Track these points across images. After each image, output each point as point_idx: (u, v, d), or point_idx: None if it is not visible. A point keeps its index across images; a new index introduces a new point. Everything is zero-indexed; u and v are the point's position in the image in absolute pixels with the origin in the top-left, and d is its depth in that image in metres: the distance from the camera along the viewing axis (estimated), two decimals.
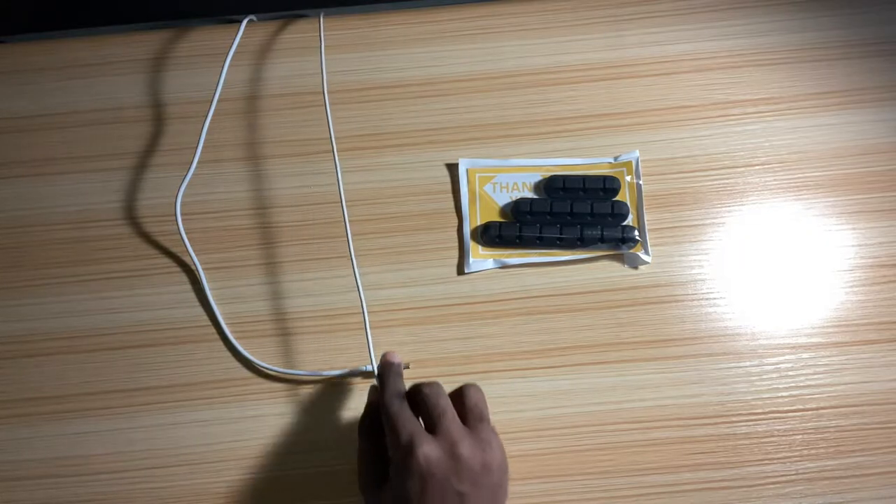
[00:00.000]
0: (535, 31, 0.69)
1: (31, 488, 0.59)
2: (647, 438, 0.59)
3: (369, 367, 0.60)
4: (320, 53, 0.64)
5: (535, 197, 0.65)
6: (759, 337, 0.61)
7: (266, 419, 0.60)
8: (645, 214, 0.64)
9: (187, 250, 0.62)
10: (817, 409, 0.60)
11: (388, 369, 0.52)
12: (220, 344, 0.62)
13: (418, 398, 0.48)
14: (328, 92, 0.66)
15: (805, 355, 0.61)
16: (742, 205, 0.65)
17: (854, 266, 0.63)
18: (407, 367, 0.61)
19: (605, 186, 0.64)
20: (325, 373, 0.61)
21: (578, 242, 0.63)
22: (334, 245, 0.64)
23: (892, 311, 0.62)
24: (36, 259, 0.64)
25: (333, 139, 0.63)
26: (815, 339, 0.61)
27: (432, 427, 0.47)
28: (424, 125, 0.67)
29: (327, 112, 0.64)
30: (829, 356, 0.61)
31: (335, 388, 0.61)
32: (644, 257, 0.63)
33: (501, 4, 0.70)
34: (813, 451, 0.59)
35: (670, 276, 0.63)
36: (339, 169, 0.61)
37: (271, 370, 0.61)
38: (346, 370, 0.60)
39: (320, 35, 0.64)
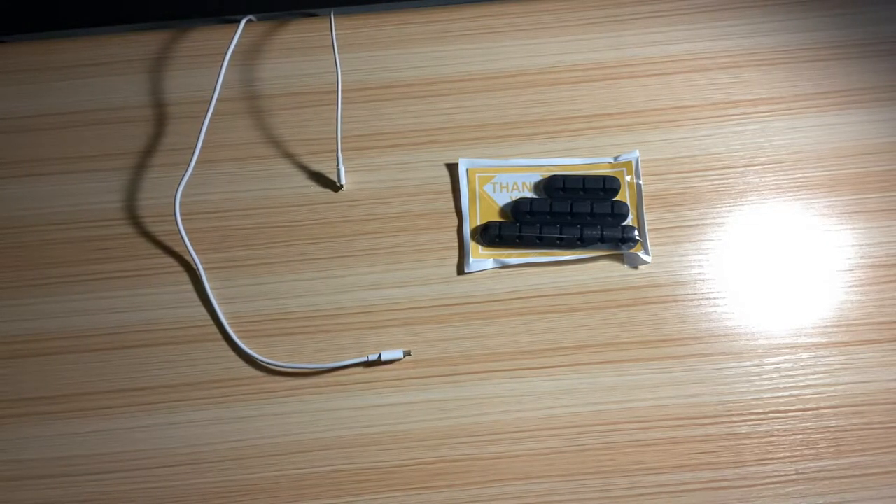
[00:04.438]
0: (535, 31, 0.69)
1: (31, 488, 0.59)
2: (647, 438, 0.59)
3: (372, 357, 0.60)
4: (333, 51, 0.64)
5: (535, 197, 0.65)
6: (759, 337, 0.61)
7: (266, 419, 0.60)
8: (645, 214, 0.64)
9: (188, 250, 0.62)
10: (817, 409, 0.60)
11: None
12: (222, 343, 0.62)
13: None
14: (328, 92, 0.66)
15: (805, 355, 0.61)
16: (742, 205, 0.65)
17: (854, 266, 0.63)
18: (408, 353, 0.61)
19: (605, 186, 0.64)
20: (328, 364, 0.61)
21: (578, 242, 0.63)
22: (334, 245, 0.64)
23: (892, 311, 0.62)
24: (36, 259, 0.64)
25: (339, 127, 0.63)
26: (815, 339, 0.61)
27: None
28: (424, 125, 0.67)
29: (338, 105, 0.64)
30: (829, 356, 0.61)
31: (335, 388, 0.61)
32: (644, 257, 0.63)
33: (502, 4, 0.70)
34: (813, 451, 0.59)
35: (670, 276, 0.63)
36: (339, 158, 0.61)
37: (274, 365, 0.61)
38: (348, 361, 0.60)
39: (332, 33, 0.64)
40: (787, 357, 0.61)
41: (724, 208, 0.65)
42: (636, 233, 0.63)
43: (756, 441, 0.59)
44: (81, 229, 0.65)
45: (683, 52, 0.68)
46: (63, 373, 0.61)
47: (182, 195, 0.62)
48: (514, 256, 0.63)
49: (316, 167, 0.66)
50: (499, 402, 0.60)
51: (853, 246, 0.64)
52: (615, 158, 0.66)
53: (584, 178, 0.64)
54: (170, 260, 0.64)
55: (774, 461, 0.59)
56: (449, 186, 0.65)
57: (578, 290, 0.63)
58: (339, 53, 0.64)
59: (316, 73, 0.68)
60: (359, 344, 0.62)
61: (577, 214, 0.63)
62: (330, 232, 0.64)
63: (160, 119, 0.67)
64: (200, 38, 0.69)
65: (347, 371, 0.61)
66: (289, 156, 0.66)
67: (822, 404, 0.60)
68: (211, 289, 0.63)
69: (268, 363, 0.61)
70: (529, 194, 0.65)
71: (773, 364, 0.61)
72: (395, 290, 0.63)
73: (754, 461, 0.59)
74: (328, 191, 0.65)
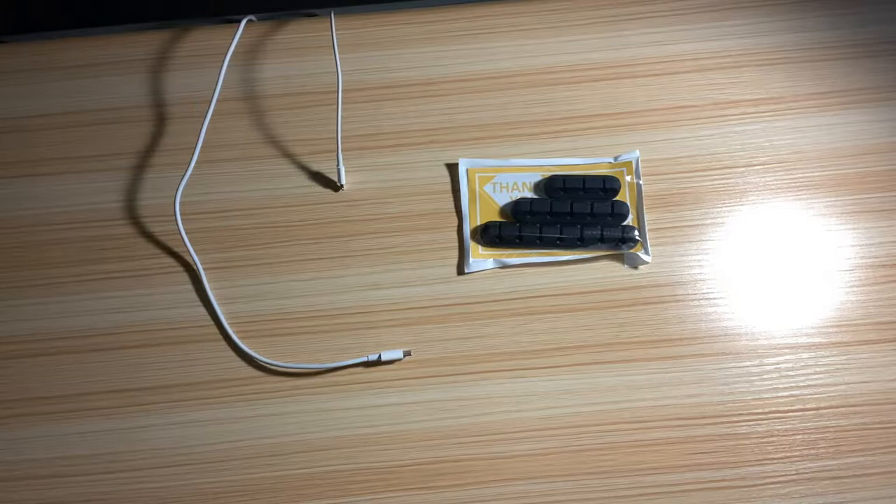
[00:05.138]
0: (535, 31, 0.69)
1: (31, 488, 0.59)
2: (647, 438, 0.59)
3: (372, 357, 0.60)
4: (333, 51, 0.64)
5: (535, 197, 0.65)
6: (759, 337, 0.61)
7: (266, 419, 0.60)
8: (645, 214, 0.64)
9: (188, 250, 0.62)
10: (817, 409, 0.60)
11: None
12: (222, 343, 0.62)
13: None
14: (328, 92, 0.66)
15: (805, 355, 0.61)
16: (742, 205, 0.65)
17: (854, 266, 0.63)
18: (408, 353, 0.61)
19: (605, 186, 0.64)
20: (328, 364, 0.61)
21: (578, 242, 0.63)
22: (334, 245, 0.64)
23: (892, 311, 0.62)
24: (36, 259, 0.64)
25: (340, 127, 0.63)
26: (815, 339, 0.61)
27: None
28: (424, 125, 0.67)
29: (339, 105, 0.64)
30: (829, 356, 0.61)
31: (335, 388, 0.61)
32: (644, 257, 0.63)
33: (502, 5, 0.70)
34: (813, 451, 0.59)
35: (670, 276, 0.63)
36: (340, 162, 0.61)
37: (274, 365, 0.61)
38: (348, 361, 0.60)
39: (332, 33, 0.64)
40: (787, 357, 0.61)
41: (724, 208, 0.65)
42: (636, 233, 0.63)
43: (756, 441, 0.59)
44: (81, 229, 0.65)
45: (683, 52, 0.68)
46: (63, 373, 0.61)
47: (182, 195, 0.62)
48: (514, 256, 0.63)
49: (316, 167, 0.66)
50: (499, 402, 0.60)
51: (853, 246, 0.64)
52: (615, 158, 0.66)
53: (584, 178, 0.64)
54: (170, 260, 0.64)
55: (774, 461, 0.58)
56: (449, 186, 0.65)
57: (578, 290, 0.63)
58: (339, 53, 0.64)
59: (316, 73, 0.68)
60: (359, 344, 0.62)
61: (577, 214, 0.63)
62: (330, 232, 0.64)
63: (160, 119, 0.67)
64: (200, 38, 0.69)
65: (347, 371, 0.61)
66: (289, 156, 0.66)
67: (822, 404, 0.60)
68: (211, 289, 0.63)
69: (268, 363, 0.61)
70: (529, 194, 0.65)
71: (773, 364, 0.61)
72: (395, 290, 0.63)
73: (754, 461, 0.59)
74: (328, 191, 0.65)
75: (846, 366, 0.61)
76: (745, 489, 0.58)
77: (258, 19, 0.69)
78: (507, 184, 0.65)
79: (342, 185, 0.65)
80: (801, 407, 0.60)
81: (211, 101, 0.62)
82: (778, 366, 0.61)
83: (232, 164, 0.66)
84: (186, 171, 0.62)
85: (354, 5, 0.70)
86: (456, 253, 0.64)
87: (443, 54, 0.68)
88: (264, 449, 0.60)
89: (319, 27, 0.69)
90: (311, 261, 0.64)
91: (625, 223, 0.64)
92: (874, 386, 0.60)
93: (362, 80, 0.68)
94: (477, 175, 0.65)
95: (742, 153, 0.66)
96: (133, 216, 0.65)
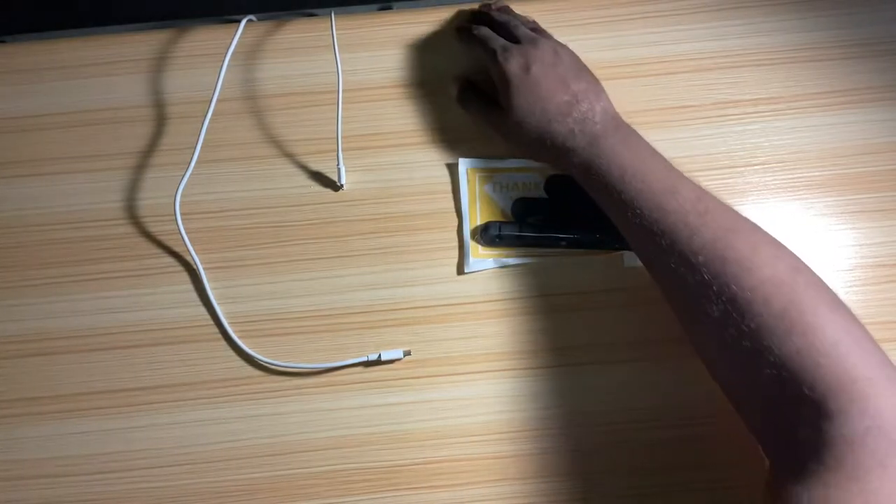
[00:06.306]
0: None
1: (30, 488, 0.59)
2: (649, 438, 0.59)
3: (372, 357, 0.60)
4: (334, 51, 0.64)
5: (536, 197, 0.65)
6: None
7: (266, 419, 0.60)
8: None
9: (188, 250, 0.62)
10: None
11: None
12: (222, 343, 0.62)
13: (493, 22, 0.63)
14: (328, 92, 0.66)
15: None
16: (742, 205, 0.65)
17: (854, 266, 0.63)
18: (408, 353, 0.61)
19: None
20: (328, 364, 0.61)
21: (578, 242, 0.63)
22: (334, 245, 0.64)
23: (892, 311, 0.62)
24: (36, 259, 0.64)
25: (340, 127, 0.63)
26: None
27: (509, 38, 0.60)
28: (424, 125, 0.67)
29: (339, 105, 0.64)
30: None
31: (335, 388, 0.61)
32: None
33: None
34: None
35: None
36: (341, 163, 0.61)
37: (274, 365, 0.61)
38: (348, 361, 0.60)
39: (332, 33, 0.64)
40: None
41: None
42: None
43: None
44: (81, 229, 0.65)
45: (683, 52, 0.68)
46: (62, 373, 0.61)
47: (182, 195, 0.62)
48: (514, 256, 0.63)
49: (316, 167, 0.66)
50: (498, 403, 0.60)
51: (853, 246, 0.64)
52: None
53: None
54: (170, 260, 0.64)
55: None
56: (449, 186, 0.65)
57: (578, 290, 0.63)
58: (339, 53, 0.64)
59: (316, 73, 0.68)
60: (359, 344, 0.62)
61: (577, 214, 0.63)
62: (330, 232, 0.64)
63: (160, 119, 0.67)
64: (200, 38, 0.69)
65: (347, 371, 0.61)
66: (289, 156, 0.66)
67: None
68: (211, 289, 0.63)
69: (268, 363, 0.61)
70: (529, 194, 0.65)
71: None
72: (395, 290, 0.63)
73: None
74: (328, 191, 0.65)
75: None
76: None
77: (258, 19, 0.69)
78: (507, 184, 0.65)
79: (342, 185, 0.65)
80: None
81: (211, 101, 0.62)
82: None
83: (232, 164, 0.66)
84: (186, 171, 0.62)
85: (354, 5, 0.70)
86: (456, 253, 0.64)
87: (443, 54, 0.68)
88: (264, 449, 0.60)
89: (319, 27, 0.69)
90: (311, 261, 0.64)
91: None
92: None
93: (362, 80, 0.68)
94: (477, 175, 0.65)
95: (741, 153, 0.66)
96: (133, 216, 0.65)
